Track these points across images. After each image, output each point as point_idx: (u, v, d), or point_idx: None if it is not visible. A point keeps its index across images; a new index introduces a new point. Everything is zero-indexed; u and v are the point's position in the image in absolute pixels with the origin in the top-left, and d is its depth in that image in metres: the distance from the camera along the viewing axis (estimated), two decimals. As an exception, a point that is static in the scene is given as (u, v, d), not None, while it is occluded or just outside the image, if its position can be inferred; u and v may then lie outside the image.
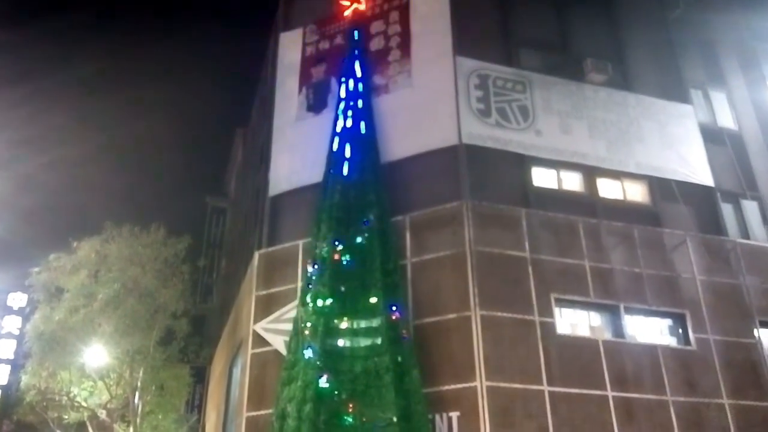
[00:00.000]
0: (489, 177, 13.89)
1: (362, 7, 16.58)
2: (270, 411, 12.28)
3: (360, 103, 14.93)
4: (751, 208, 15.88)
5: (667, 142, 15.68)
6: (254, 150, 20.72)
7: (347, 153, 14.20)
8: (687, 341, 13.37)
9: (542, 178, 14.51)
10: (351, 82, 15.28)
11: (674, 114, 16.18)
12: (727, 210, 15.59)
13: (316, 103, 16.22)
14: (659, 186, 15.06)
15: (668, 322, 13.69)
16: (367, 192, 13.50)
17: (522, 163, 14.39)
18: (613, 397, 12.10)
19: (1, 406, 39.43)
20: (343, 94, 15.23)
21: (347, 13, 16.71)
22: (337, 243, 12.90)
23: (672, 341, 13.47)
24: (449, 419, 11.45)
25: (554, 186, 14.56)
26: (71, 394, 18.77)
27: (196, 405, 24.34)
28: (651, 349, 12.91)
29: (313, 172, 14.66)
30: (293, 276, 14.01)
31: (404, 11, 16.07)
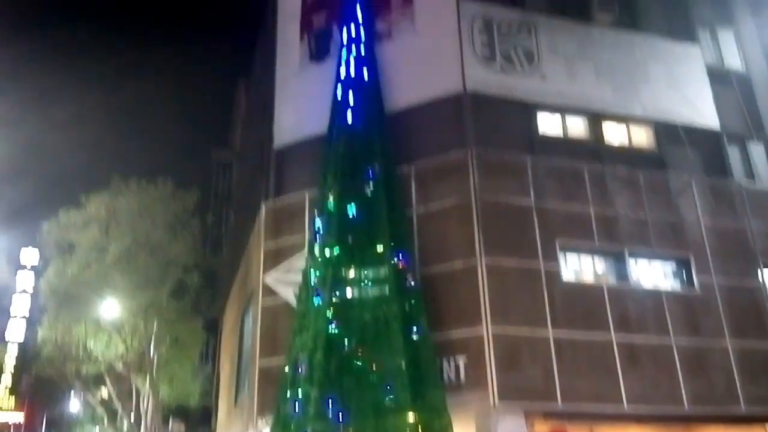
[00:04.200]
0: (494, 125, 13.81)
1: (363, -50, 16.14)
2: (282, 359, 12.59)
3: (363, 50, 14.70)
4: (757, 150, 15.78)
5: (673, 84, 15.48)
6: (258, 101, 20.58)
7: (351, 102, 14.09)
8: (691, 285, 13.51)
9: (547, 124, 14.42)
10: (353, 29, 15.00)
11: (681, 55, 15.92)
12: (733, 153, 15.49)
13: (318, 52, 16.02)
14: (665, 130, 14.95)
15: (672, 266, 13.81)
16: (372, 142, 13.48)
17: (527, 109, 14.27)
18: (617, 341, 12.32)
19: (19, 362, 40.35)
20: (345, 41, 15.00)
21: (347, -43, 16.27)
22: (343, 193, 12.97)
23: (676, 285, 13.63)
24: (456, 364, 11.74)
25: (559, 133, 14.49)
26: (87, 347, 19.24)
27: (210, 355, 24.95)
28: (655, 294, 13.08)
29: (318, 123, 14.58)
30: (301, 227, 14.14)
31: (406, -46, 15.66)
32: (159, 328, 18.57)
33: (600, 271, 13.40)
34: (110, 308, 17.83)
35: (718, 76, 16.19)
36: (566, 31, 15.19)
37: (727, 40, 17.19)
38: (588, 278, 13.23)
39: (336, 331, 11.73)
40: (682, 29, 16.31)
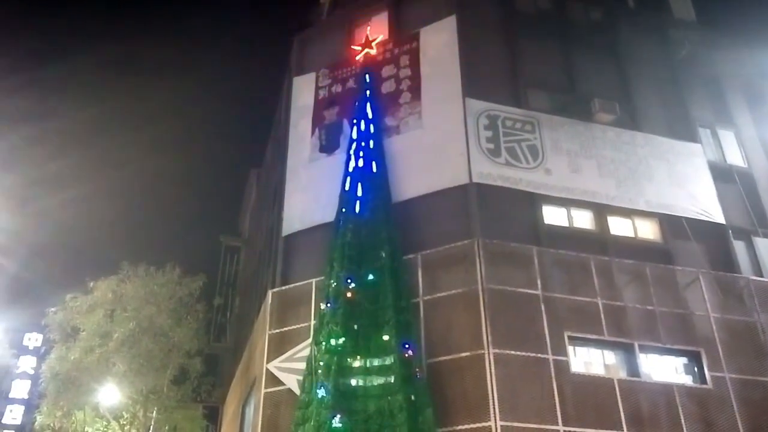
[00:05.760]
0: (500, 215, 14.03)
1: (373, 51, 17.05)
2: (283, 451, 12.25)
3: (372, 143, 15.24)
4: (763, 245, 15.85)
5: (676, 180, 15.79)
6: (268, 190, 21.05)
7: (359, 192, 14.45)
8: (703, 379, 13.23)
9: (553, 216, 14.61)
10: (363, 124, 15.62)
11: (683, 152, 16.32)
12: (739, 247, 15.55)
13: (328, 144, 16.57)
14: (670, 224, 15.11)
15: (683, 360, 13.58)
16: (379, 230, 13.68)
17: (532, 201, 14.53)
18: (630, 437, 11.95)
19: (15, 447, 39.36)
20: (355, 136, 15.57)
21: (359, 57, 17.17)
22: (349, 281, 13.03)
23: (687, 380, 13.35)
24: (463, 459, 11.35)
25: (565, 224, 14.66)
26: (84, 435, 18.78)
27: (209, 446, 24.21)
28: (666, 388, 12.79)
29: (326, 212, 14.91)
30: (306, 314, 14.12)
31: (414, 55, 16.50)
32: (158, 416, 18.16)
33: (610, 364, 13.18)
34: (110, 394, 17.57)
35: (721, 173, 16.52)
36: (568, 129, 15.66)
37: (727, 138, 17.67)
38: (598, 371, 12.99)
39: (339, 423, 11.48)
40: (683, 129, 16.79)
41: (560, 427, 11.69)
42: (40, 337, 41.26)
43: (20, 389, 41.24)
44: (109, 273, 19.42)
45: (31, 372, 40.85)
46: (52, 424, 18.14)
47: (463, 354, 12.25)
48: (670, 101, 17.30)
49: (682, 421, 12.38)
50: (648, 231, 15.18)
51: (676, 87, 17.62)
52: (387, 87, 16.46)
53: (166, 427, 18.83)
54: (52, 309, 19.50)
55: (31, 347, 42.32)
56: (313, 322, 13.69)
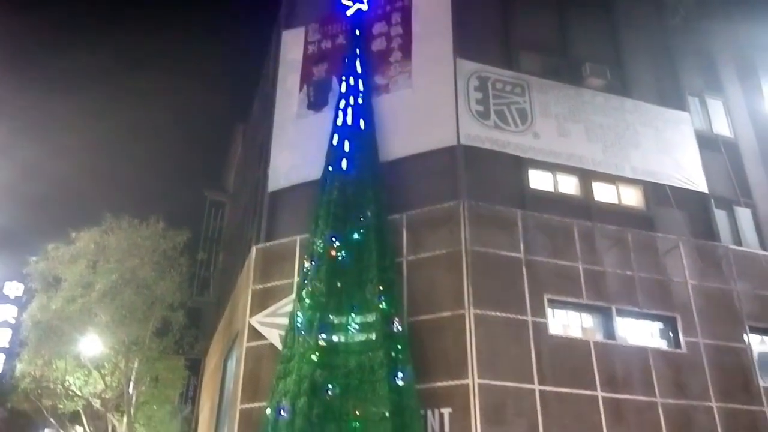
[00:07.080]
0: (486, 178, 14.05)
1: (365, 7, 16.73)
2: (264, 404, 12.42)
3: (360, 101, 15.06)
4: (744, 215, 16.07)
5: (662, 147, 15.86)
6: (254, 146, 20.85)
7: (346, 149, 14.34)
8: (677, 344, 13.55)
9: (539, 180, 14.67)
10: (352, 81, 15.40)
11: (671, 120, 16.35)
12: (720, 216, 15.76)
13: (316, 101, 16.36)
14: (654, 191, 15.24)
15: (659, 325, 13.87)
16: (365, 189, 13.65)
17: (519, 165, 14.55)
18: (603, 397, 12.27)
19: (-6, 394, 39.65)
20: (343, 92, 15.37)
21: (349, 13, 16.84)
22: (333, 239, 13.04)
23: (662, 344, 13.66)
24: (441, 415, 11.60)
25: (550, 188, 14.72)
26: (66, 383, 18.91)
27: (190, 396, 24.51)
28: (641, 351, 13.09)
29: (312, 169, 14.81)
30: (290, 271, 14.16)
31: (406, 13, 16.22)
32: (140, 367, 18.30)
33: (587, 327, 13.43)
34: (92, 344, 17.64)
35: (707, 142, 16.60)
36: (558, 93, 15.60)
37: (715, 107, 17.71)
38: (575, 333, 13.24)
39: (320, 377, 11.64)
40: (672, 97, 16.80)
41: (536, 386, 11.95)
42: (21, 286, 41.10)
43: (1, 338, 41.31)
44: (92, 224, 19.28)
45: (12, 321, 40.84)
46: (32, 372, 18.22)
47: (444, 313, 12.41)
48: (661, 68, 17.26)
49: (655, 383, 12.73)
50: (631, 197, 15.31)
51: (667, 54, 17.57)
52: (377, 44, 16.22)
53: (148, 378, 19.00)
54: (34, 258, 19.35)
55: (12, 296, 42.22)
56: (296, 278, 13.73)
